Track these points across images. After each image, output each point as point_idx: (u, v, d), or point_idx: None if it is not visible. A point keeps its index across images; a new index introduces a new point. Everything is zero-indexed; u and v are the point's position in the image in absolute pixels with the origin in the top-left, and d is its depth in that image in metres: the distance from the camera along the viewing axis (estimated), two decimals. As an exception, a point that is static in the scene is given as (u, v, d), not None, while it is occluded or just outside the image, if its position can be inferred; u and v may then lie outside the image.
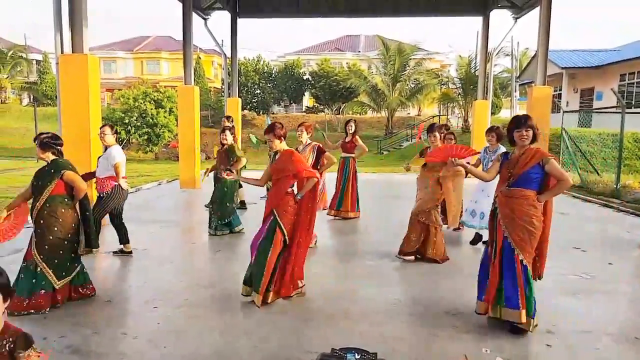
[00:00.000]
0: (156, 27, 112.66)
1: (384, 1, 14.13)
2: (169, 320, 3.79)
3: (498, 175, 3.72)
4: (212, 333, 3.57)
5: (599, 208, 9.56)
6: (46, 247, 3.88)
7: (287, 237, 4.05)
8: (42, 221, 3.90)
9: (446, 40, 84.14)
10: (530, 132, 3.47)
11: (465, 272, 5.03)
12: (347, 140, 7.79)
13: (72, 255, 4.04)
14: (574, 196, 10.85)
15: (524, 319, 3.44)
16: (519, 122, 3.52)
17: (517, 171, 3.45)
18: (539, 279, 3.67)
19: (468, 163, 3.97)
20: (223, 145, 6.72)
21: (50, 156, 4.06)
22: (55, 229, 3.91)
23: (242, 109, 25.04)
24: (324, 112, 35.59)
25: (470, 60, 26.36)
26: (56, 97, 6.79)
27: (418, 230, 5.40)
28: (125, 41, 46.02)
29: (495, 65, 23.89)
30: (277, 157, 4.25)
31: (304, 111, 39.05)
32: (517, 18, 13.40)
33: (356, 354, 2.88)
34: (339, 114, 34.23)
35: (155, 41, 45.84)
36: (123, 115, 23.58)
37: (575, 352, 3.35)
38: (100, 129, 5.39)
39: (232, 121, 9.05)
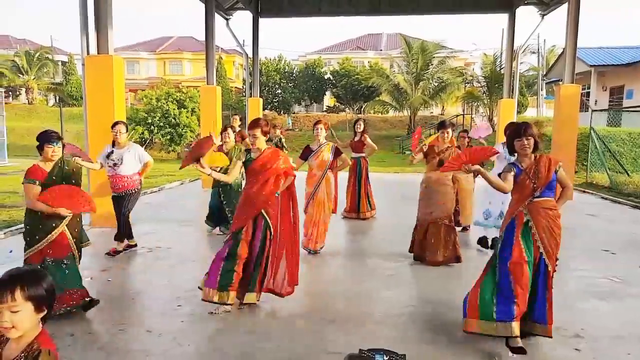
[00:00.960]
0: (178, 28, 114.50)
1: (408, -1, 13.98)
2: (193, 319, 3.82)
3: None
4: (236, 332, 3.58)
5: (630, 210, 9.24)
6: (76, 242, 3.97)
7: (272, 237, 3.97)
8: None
9: (470, 37, 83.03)
10: (532, 141, 3.35)
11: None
12: (356, 139, 7.73)
13: None
14: (603, 197, 10.52)
15: (551, 333, 3.34)
16: (518, 131, 3.38)
17: (543, 181, 3.32)
18: None
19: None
20: (221, 145, 6.56)
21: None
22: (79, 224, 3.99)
23: (263, 109, 25.19)
24: (345, 111, 35.49)
25: (495, 58, 25.83)
26: (81, 97, 6.95)
27: (439, 235, 5.22)
28: (148, 42, 46.86)
29: (522, 63, 23.34)
30: (257, 155, 3.99)
31: (325, 110, 39.01)
32: (544, 15, 13.07)
33: (385, 355, 2.84)
34: (361, 113, 34.06)
35: (177, 42, 46.53)
36: (146, 115, 23.95)
37: (605, 356, 3.24)
38: (116, 126, 5.34)
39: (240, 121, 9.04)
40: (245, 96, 15.97)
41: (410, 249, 5.53)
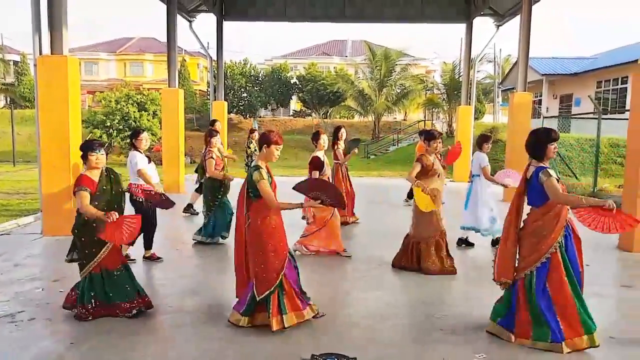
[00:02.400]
0: (141, 29, 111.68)
1: (371, 7, 14.23)
2: (150, 329, 3.74)
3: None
4: (202, 340, 3.53)
5: (578, 212, 9.70)
6: None
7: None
8: None
9: (431, 46, 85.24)
10: None
11: (457, 277, 5.11)
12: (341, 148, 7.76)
13: None
14: (553, 201, 11.03)
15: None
16: (553, 135, 3.44)
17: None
18: None
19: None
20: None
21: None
22: None
23: (229, 113, 24.93)
24: (311, 116, 35.63)
25: (454, 67, 26.71)
26: (34, 99, 6.66)
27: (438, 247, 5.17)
28: (108, 42, 45.47)
29: (479, 71, 24.29)
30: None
31: (292, 115, 39.03)
32: (499, 25, 13.66)
33: (336, 359, 2.87)
34: (327, 118, 34.29)
35: (139, 43, 45.39)
36: (104, 118, 23.23)
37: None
38: (143, 134, 5.40)
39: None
40: (209, 99, 15.76)
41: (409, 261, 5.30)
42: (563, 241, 3.39)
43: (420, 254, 5.17)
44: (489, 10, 13.38)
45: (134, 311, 3.81)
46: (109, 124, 23.14)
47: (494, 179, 6.01)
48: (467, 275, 5.23)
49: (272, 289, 3.59)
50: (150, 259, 5.60)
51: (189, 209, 8.53)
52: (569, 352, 3.29)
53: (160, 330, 3.76)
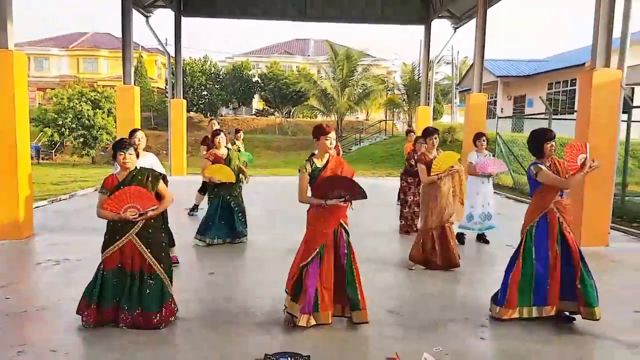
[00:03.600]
0: (95, 24, 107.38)
1: (333, 7, 14.30)
2: (102, 334, 3.59)
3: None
4: (150, 345, 3.42)
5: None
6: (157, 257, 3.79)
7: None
8: None
9: (392, 47, 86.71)
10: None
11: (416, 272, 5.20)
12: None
13: None
14: (507, 197, 11.48)
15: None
16: (550, 133, 3.79)
17: None
18: None
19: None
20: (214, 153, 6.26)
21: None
22: None
23: (188, 111, 24.42)
24: (274, 115, 35.43)
25: (414, 68, 27.31)
26: (-23, 95, 6.24)
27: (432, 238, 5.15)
28: (60, 37, 43.43)
29: (437, 72, 25.00)
30: (325, 163, 3.74)
31: (254, 114, 38.67)
32: (456, 28, 14.06)
33: (289, 358, 2.87)
34: (289, 117, 34.20)
35: (93, 38, 43.62)
36: (56, 116, 22.20)
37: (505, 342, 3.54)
38: (135, 134, 4.86)
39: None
40: (168, 97, 15.36)
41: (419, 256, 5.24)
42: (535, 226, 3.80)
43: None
44: (447, 12, 13.74)
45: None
46: (60, 122, 22.13)
47: (475, 172, 6.12)
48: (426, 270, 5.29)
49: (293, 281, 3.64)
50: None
51: (194, 210, 8.33)
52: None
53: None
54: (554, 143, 3.77)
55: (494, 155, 14.04)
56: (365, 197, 3.56)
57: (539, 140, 3.79)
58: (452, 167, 5.05)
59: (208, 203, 6.40)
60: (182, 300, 4.06)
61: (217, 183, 6.08)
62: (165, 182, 3.86)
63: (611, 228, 6.92)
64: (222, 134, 6.28)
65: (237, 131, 9.42)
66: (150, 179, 3.68)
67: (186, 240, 6.13)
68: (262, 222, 7.59)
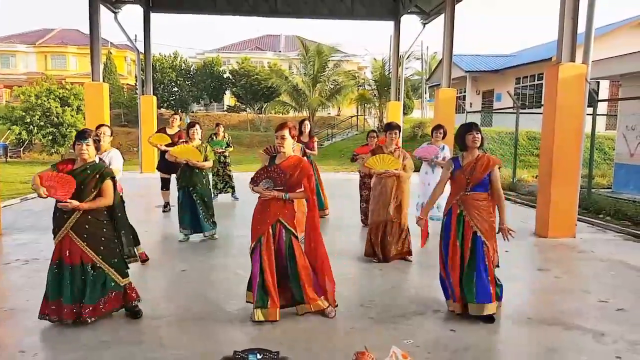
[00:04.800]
0: (62, 19, 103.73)
1: (304, 3, 14.35)
2: (73, 333, 3.58)
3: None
4: (118, 344, 3.44)
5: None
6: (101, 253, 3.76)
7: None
8: None
9: (362, 43, 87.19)
10: (480, 135, 3.82)
11: (387, 265, 5.33)
12: (304, 140, 7.31)
13: None
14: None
15: (495, 309, 3.74)
16: (469, 126, 3.87)
17: (476, 178, 3.74)
18: (497, 267, 3.92)
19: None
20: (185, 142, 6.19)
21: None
22: None
23: (159, 107, 24.00)
24: (245, 111, 35.20)
25: (384, 63, 27.59)
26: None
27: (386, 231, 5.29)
28: (26, 34, 41.90)
29: (407, 68, 25.36)
30: (283, 160, 3.73)
31: (225, 110, 38.30)
32: (425, 23, 14.34)
33: (259, 354, 2.82)
34: (261, 113, 34.05)
35: (60, 34, 42.28)
36: (24, 113, 21.55)
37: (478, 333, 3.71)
38: (100, 129, 4.78)
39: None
40: (137, 94, 15.14)
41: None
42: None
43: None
44: (416, 8, 14.01)
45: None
46: (28, 120, 21.52)
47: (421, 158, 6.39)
48: (397, 264, 5.38)
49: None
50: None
51: (166, 207, 8.26)
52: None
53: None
54: (475, 134, 3.80)
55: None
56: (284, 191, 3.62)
57: (461, 133, 3.88)
58: (387, 171, 5.15)
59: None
60: (151, 298, 4.08)
61: (180, 174, 6.08)
62: (114, 183, 3.76)
63: (578, 220, 7.01)
64: (197, 125, 6.18)
65: (217, 125, 9.41)
66: (98, 175, 3.65)
67: (159, 237, 6.14)
68: (239, 218, 7.62)
